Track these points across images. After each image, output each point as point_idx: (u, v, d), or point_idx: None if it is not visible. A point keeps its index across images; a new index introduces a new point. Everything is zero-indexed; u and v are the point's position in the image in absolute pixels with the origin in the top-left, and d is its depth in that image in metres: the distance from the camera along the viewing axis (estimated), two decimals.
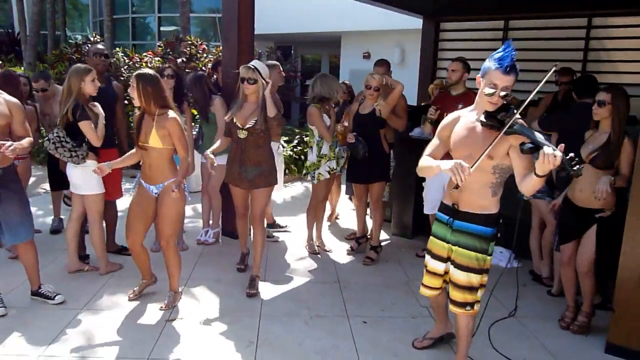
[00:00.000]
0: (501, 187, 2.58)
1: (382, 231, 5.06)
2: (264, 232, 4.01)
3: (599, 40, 6.65)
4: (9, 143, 3.08)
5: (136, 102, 3.31)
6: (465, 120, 2.60)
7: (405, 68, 10.53)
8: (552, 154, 2.08)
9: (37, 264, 3.56)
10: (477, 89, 2.53)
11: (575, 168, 2.08)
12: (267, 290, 3.97)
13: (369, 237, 4.92)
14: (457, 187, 2.48)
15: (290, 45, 14.86)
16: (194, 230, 5.25)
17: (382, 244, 4.91)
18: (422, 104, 6.33)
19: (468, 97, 4.04)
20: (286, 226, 5.53)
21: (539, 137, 2.23)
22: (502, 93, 2.39)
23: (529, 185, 2.32)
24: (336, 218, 6.01)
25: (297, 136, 8.68)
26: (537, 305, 3.90)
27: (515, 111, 2.36)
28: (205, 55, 8.37)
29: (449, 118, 2.70)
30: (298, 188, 7.65)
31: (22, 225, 3.40)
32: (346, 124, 4.64)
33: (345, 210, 6.26)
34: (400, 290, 4.06)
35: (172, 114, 3.30)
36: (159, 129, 3.26)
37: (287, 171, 7.61)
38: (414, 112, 5.34)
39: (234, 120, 3.80)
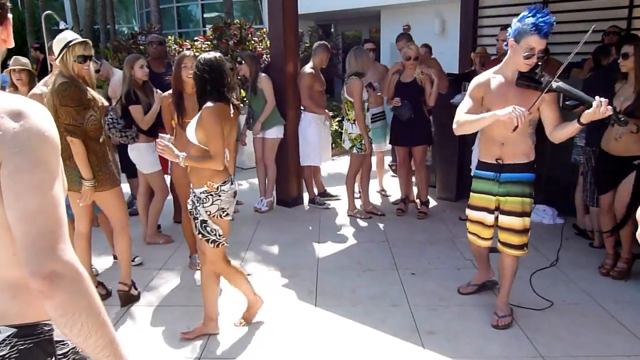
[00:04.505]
0: (534, 136, 2.98)
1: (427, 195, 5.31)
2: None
3: None
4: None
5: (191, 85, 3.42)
6: (496, 80, 2.83)
7: (445, 38, 10.55)
8: (604, 107, 2.38)
9: None
10: None
11: (622, 119, 2.48)
12: (322, 249, 4.34)
13: (412, 200, 5.25)
14: (516, 128, 2.58)
15: (330, 23, 15.00)
16: (251, 200, 5.63)
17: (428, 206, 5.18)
18: (465, 71, 6.47)
19: None
20: (337, 195, 5.85)
21: (581, 92, 2.53)
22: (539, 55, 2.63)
23: (565, 133, 2.66)
24: (383, 192, 6.04)
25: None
26: (578, 256, 4.08)
27: (543, 72, 2.65)
28: (253, 38, 8.69)
29: (479, 79, 2.90)
30: (345, 161, 7.91)
31: None
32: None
33: (387, 183, 6.46)
34: (445, 246, 4.34)
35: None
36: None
37: (333, 145, 7.86)
38: (455, 80, 5.51)
39: None
